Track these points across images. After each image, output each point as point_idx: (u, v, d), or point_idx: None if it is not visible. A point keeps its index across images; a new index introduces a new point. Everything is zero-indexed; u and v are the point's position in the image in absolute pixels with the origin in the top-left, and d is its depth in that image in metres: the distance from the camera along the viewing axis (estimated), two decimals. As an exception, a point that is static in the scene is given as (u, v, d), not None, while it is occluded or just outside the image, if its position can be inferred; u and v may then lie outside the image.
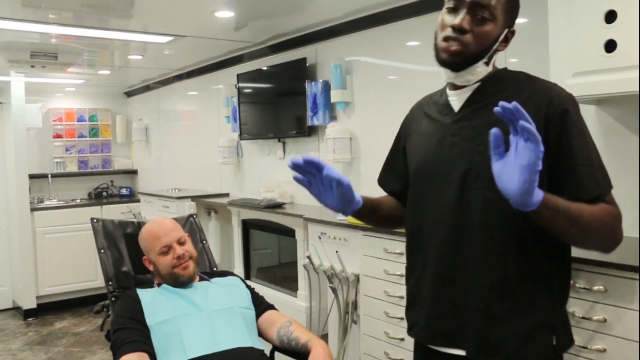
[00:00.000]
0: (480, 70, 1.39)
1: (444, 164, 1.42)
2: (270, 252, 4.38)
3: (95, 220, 2.64)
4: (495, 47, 1.37)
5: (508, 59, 2.61)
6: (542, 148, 1.11)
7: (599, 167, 1.31)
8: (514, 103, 1.10)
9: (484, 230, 1.34)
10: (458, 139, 1.41)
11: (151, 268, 2.28)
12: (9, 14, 3.18)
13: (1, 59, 3.85)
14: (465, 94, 1.43)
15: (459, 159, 1.39)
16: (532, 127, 1.09)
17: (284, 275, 4.07)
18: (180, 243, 2.24)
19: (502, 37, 1.37)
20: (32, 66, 3.98)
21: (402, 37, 3.27)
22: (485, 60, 1.38)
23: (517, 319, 1.34)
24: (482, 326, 1.35)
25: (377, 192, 3.39)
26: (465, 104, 1.43)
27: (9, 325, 5.46)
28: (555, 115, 1.31)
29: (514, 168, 1.15)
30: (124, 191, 6.67)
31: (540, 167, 1.12)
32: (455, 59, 1.37)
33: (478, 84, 1.42)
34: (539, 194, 1.18)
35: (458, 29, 1.34)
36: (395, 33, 3.30)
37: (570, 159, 1.30)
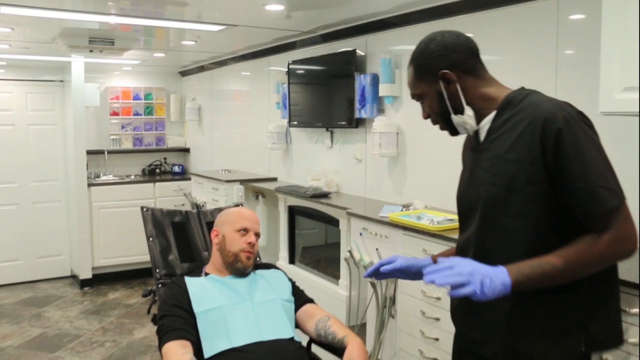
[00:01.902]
0: (462, 119, 1.53)
1: (471, 194, 1.56)
2: (316, 233, 4.45)
3: (145, 209, 2.74)
4: (447, 100, 1.53)
5: (558, 90, 2.58)
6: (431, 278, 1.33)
7: (598, 183, 1.34)
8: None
9: (504, 255, 1.41)
10: (479, 171, 1.53)
11: (215, 241, 2.36)
12: (71, 6, 3.30)
13: (61, 44, 4.00)
14: (486, 125, 1.53)
15: (480, 189, 1.51)
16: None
17: (328, 257, 4.13)
18: (256, 236, 2.36)
19: (441, 89, 1.53)
20: (91, 51, 4.12)
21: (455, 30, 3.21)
22: (452, 115, 1.54)
23: (543, 329, 1.42)
24: (508, 338, 1.46)
25: (423, 187, 3.42)
26: (486, 135, 1.53)
27: (67, 293, 5.76)
28: (550, 140, 1.36)
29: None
30: (176, 169, 6.84)
31: (467, 289, 1.29)
32: (449, 134, 1.61)
33: (493, 112, 1.51)
34: (505, 284, 1.32)
35: (426, 119, 1.64)
36: (447, 27, 3.23)
37: (567, 184, 1.36)
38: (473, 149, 1.59)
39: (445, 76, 1.52)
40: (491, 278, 1.31)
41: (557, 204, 1.39)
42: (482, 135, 1.53)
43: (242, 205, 3.05)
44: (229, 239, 2.31)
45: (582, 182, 1.33)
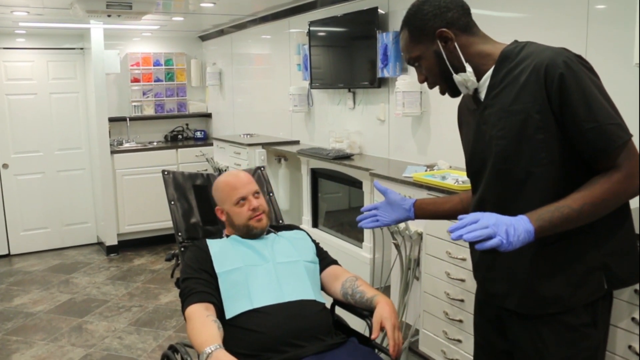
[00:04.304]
0: (464, 77, 1.52)
1: (482, 152, 1.57)
2: (340, 197, 4.40)
3: (166, 173, 2.72)
4: (446, 59, 1.52)
5: (589, 46, 2.46)
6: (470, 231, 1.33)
7: (607, 121, 1.35)
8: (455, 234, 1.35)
9: (522, 205, 1.44)
10: (486, 127, 1.53)
11: (223, 218, 2.33)
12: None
13: (79, 9, 3.95)
14: (485, 82, 1.53)
15: (489, 145, 1.52)
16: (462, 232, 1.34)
17: (352, 220, 4.08)
18: (255, 196, 2.30)
19: (439, 49, 1.52)
20: (109, 15, 4.07)
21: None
22: (454, 74, 1.53)
23: (566, 273, 1.46)
24: (533, 287, 1.50)
25: (447, 146, 3.34)
26: (487, 91, 1.53)
27: (94, 260, 5.84)
28: (553, 86, 1.37)
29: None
30: (198, 134, 6.83)
31: (493, 242, 1.30)
32: (449, 95, 1.62)
33: (491, 68, 1.51)
34: (528, 231, 1.33)
35: (423, 83, 1.64)
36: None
37: (576, 126, 1.37)
38: (473, 109, 1.60)
39: (443, 34, 1.51)
40: (514, 227, 1.33)
41: (568, 148, 1.40)
42: (483, 93, 1.54)
43: (263, 168, 3.00)
44: (233, 214, 2.28)
45: (591, 122, 1.35)
